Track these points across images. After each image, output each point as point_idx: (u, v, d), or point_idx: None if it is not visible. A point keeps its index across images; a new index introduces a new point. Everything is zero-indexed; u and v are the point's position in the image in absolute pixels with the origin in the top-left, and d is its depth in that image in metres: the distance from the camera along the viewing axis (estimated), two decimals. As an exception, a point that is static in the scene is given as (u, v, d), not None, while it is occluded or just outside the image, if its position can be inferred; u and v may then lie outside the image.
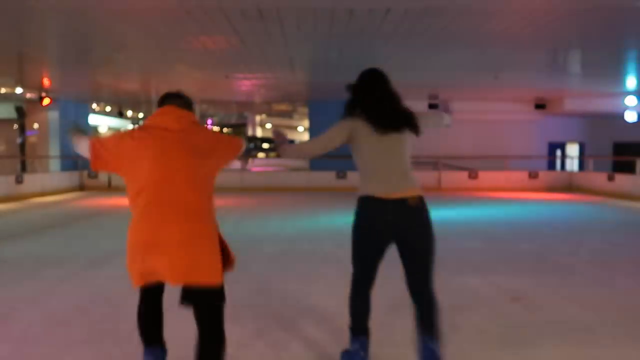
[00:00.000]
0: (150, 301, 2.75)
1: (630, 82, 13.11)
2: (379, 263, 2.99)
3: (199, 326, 2.52)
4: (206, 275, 2.43)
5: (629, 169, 14.34)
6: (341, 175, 15.13)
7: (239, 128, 49.10)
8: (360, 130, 2.88)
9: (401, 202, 2.84)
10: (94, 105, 21.92)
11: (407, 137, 2.92)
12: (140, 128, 2.59)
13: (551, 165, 19.38)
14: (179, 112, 2.58)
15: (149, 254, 2.42)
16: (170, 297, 2.77)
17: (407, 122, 2.92)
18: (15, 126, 18.24)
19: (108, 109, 24.13)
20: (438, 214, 10.76)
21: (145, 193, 2.45)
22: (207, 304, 2.51)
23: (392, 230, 2.87)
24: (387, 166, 2.87)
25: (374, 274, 3.02)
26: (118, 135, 2.65)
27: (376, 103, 2.93)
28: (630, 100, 15.75)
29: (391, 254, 3.28)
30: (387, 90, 3.01)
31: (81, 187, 15.92)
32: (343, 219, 9.49)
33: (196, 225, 2.47)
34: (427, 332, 2.87)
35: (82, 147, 2.73)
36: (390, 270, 5.60)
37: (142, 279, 2.53)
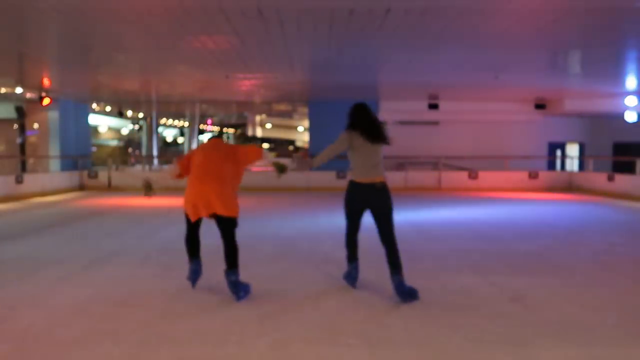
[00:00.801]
0: (193, 232, 4.82)
1: (630, 82, 13.10)
2: (361, 219, 4.75)
3: (223, 240, 4.65)
4: (225, 211, 4.53)
5: (629, 169, 14.34)
6: (341, 175, 15.12)
7: (239, 128, 49.13)
8: (356, 140, 4.57)
9: (375, 184, 4.54)
10: (94, 105, 21.91)
11: (380, 144, 4.61)
12: (198, 147, 5.12)
13: (551, 166, 19.38)
14: (212, 139, 5.00)
15: (198, 200, 4.51)
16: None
17: (383, 137, 4.61)
18: (15, 126, 18.23)
19: (108, 109, 24.11)
20: (438, 214, 10.79)
21: (196, 170, 4.65)
22: (226, 227, 4.61)
23: (369, 203, 4.61)
24: (375, 161, 4.58)
25: (358, 226, 4.81)
26: (192, 150, 5.04)
27: (364, 125, 4.61)
28: (630, 101, 15.75)
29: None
30: (371, 114, 4.69)
31: (81, 187, 15.93)
32: (343, 219, 9.49)
33: (221, 187, 4.55)
34: (393, 268, 4.51)
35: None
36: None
37: (193, 215, 4.62)
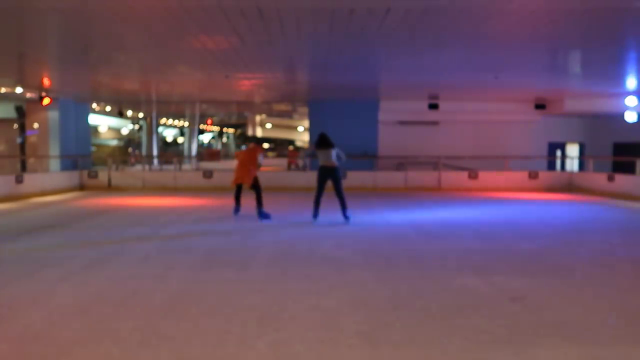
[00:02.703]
0: (238, 192, 9.84)
1: (631, 83, 13.11)
2: (325, 186, 8.87)
3: (255, 192, 9.49)
4: (250, 182, 9.42)
5: (629, 169, 14.33)
6: (341, 175, 15.10)
7: (239, 128, 49.09)
8: (317, 148, 9.03)
9: (333, 167, 8.80)
10: (94, 105, 21.91)
11: (329, 150, 8.85)
12: (242, 150, 12.71)
13: (551, 166, 19.37)
14: (249, 145, 11.22)
15: (237, 176, 9.58)
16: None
17: (327, 146, 8.88)
18: (15, 126, 18.24)
19: (108, 108, 24.13)
20: (438, 214, 10.80)
21: (239, 161, 9.87)
22: (254, 188, 9.46)
23: (328, 175, 8.79)
24: (326, 157, 8.85)
25: (323, 190, 8.92)
26: (241, 150, 11.82)
27: (320, 144, 8.98)
28: (630, 101, 15.74)
29: (386, 259, 5.61)
30: (326, 137, 9.00)
31: (81, 187, 15.92)
32: (342, 220, 9.42)
33: (247, 171, 9.48)
34: (343, 207, 8.90)
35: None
36: (391, 271, 5.61)
37: (235, 182, 9.68)
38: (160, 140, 36.35)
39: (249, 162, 9.47)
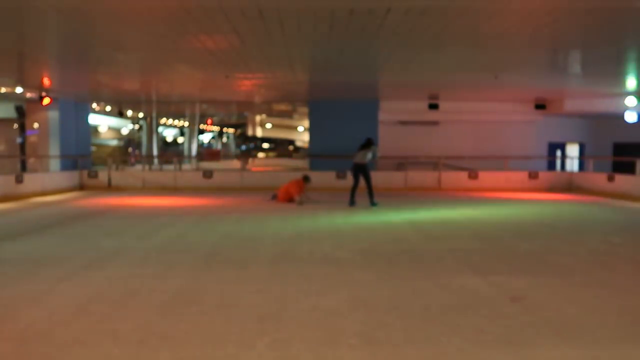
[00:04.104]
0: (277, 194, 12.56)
1: (631, 83, 13.10)
2: (359, 179, 11.46)
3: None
4: (281, 200, 12.35)
5: (629, 169, 14.33)
6: (341, 175, 15.13)
7: (239, 128, 49.04)
8: (358, 149, 11.58)
9: (363, 164, 11.41)
10: (94, 105, 21.90)
11: (366, 150, 11.39)
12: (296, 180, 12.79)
13: (551, 166, 19.36)
14: (299, 177, 12.70)
15: (280, 193, 12.50)
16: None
17: (367, 147, 11.42)
18: (15, 126, 18.24)
19: (108, 108, 24.11)
20: (438, 214, 10.79)
21: (287, 184, 12.59)
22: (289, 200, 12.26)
23: (359, 170, 11.42)
24: (361, 156, 11.42)
25: (358, 183, 11.49)
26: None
27: (362, 146, 11.53)
28: (630, 101, 15.74)
29: (386, 259, 5.61)
30: (369, 141, 11.53)
31: (81, 187, 15.93)
32: (343, 219, 9.45)
33: (286, 193, 12.35)
34: (370, 196, 11.41)
35: None
36: (391, 271, 5.61)
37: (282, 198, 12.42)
38: (160, 140, 36.34)
39: (289, 189, 12.16)
